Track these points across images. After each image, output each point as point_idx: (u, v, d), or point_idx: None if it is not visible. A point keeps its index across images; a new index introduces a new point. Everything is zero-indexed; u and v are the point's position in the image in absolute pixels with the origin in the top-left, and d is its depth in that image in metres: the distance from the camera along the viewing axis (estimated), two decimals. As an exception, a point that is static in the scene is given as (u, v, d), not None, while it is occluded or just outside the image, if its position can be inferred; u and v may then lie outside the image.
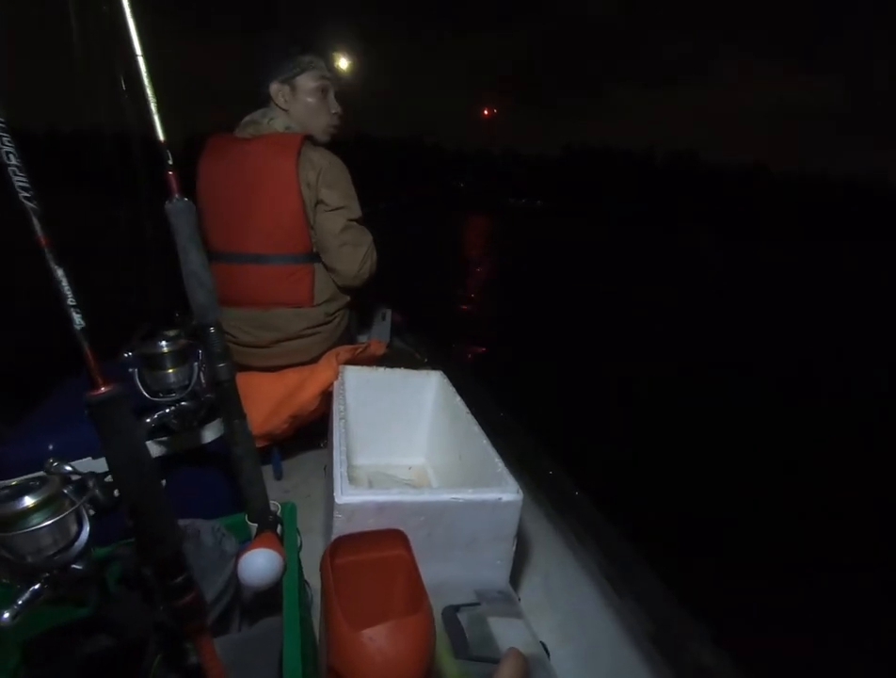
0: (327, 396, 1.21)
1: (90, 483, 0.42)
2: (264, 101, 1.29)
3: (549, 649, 0.77)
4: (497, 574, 0.85)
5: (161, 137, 0.57)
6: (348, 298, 1.40)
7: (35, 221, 0.33)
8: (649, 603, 0.69)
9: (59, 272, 0.33)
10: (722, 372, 4.73)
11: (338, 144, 1.32)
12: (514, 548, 0.84)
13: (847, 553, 2.21)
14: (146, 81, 0.54)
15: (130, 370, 0.69)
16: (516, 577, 0.92)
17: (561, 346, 5.34)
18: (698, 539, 2.19)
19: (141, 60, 0.54)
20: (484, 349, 5.38)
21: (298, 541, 0.72)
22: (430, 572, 0.69)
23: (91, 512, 0.47)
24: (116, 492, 0.41)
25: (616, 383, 4.21)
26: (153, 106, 0.56)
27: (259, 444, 1.23)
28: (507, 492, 0.80)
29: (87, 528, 0.42)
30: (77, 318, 0.34)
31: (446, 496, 0.79)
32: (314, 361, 1.31)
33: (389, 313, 1.82)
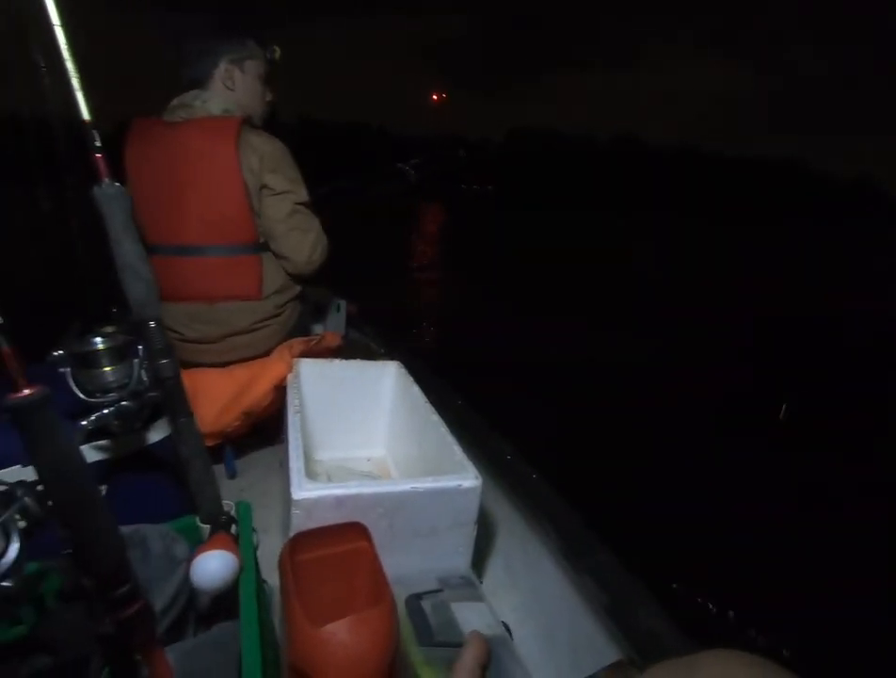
0: (281, 391, 1.18)
1: (19, 493, 0.39)
2: (195, 82, 1.22)
3: (511, 628, 0.78)
4: (459, 560, 0.86)
5: (86, 116, 0.52)
6: (299, 289, 1.36)
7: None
8: (604, 576, 0.72)
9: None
10: (674, 352, 4.93)
11: (279, 126, 1.27)
12: (475, 533, 0.85)
13: (797, 516, 2.39)
14: (65, 54, 0.50)
15: (61, 370, 0.64)
16: (478, 562, 0.93)
17: (516, 330, 5.43)
18: (651, 513, 2.31)
19: (59, 31, 0.49)
20: (440, 337, 5.39)
21: (255, 540, 0.70)
22: (393, 562, 0.69)
23: (22, 525, 0.43)
24: (50, 502, 0.38)
25: (571, 366, 4.34)
26: (75, 83, 0.51)
27: (210, 443, 1.18)
28: (467, 479, 0.81)
29: (15, 543, 0.38)
30: (-7, 314, 0.31)
31: (406, 486, 0.78)
32: (266, 355, 1.27)
33: (343, 304, 1.79)
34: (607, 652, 0.69)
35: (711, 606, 1.69)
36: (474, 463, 0.85)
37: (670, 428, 3.29)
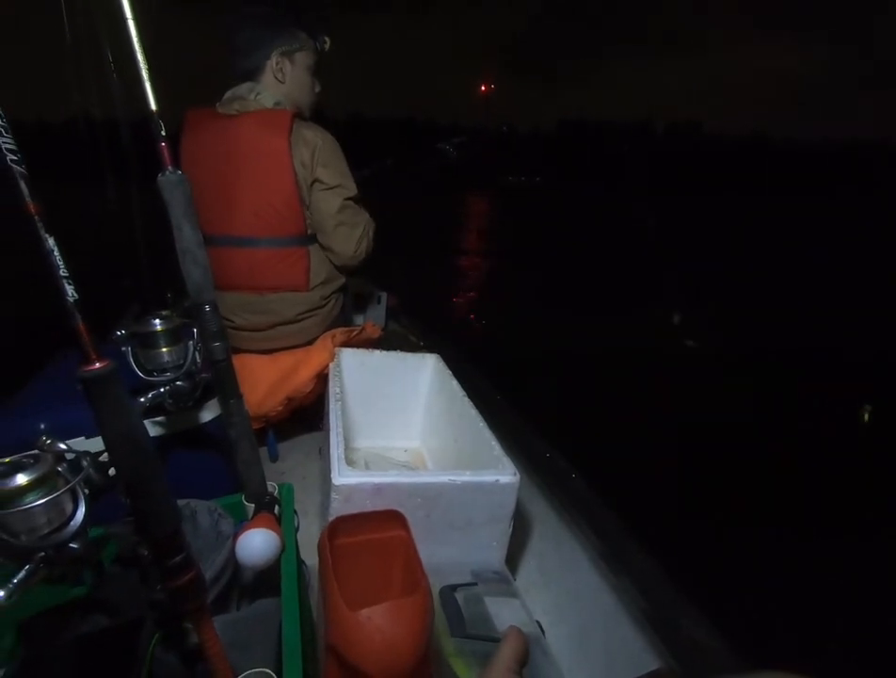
0: (322, 379, 1.20)
1: (85, 462, 0.41)
2: (247, 74, 1.25)
3: (544, 628, 0.78)
4: (493, 555, 0.86)
5: (153, 106, 0.55)
6: (343, 280, 1.38)
7: (23, 186, 0.31)
8: (644, 581, 0.70)
9: (50, 241, 0.32)
10: (727, 351, 4.68)
11: (329, 123, 1.28)
12: (510, 529, 0.85)
13: (848, 533, 2.25)
14: (136, 45, 0.52)
15: (123, 349, 0.67)
16: (512, 558, 0.93)
17: (561, 326, 5.30)
18: (694, 519, 2.23)
19: (131, 23, 0.51)
20: (482, 330, 5.35)
21: (296, 522, 0.72)
22: (428, 552, 0.69)
23: (86, 492, 0.46)
24: (111, 472, 0.40)
25: (613, 363, 4.20)
26: (144, 74, 0.54)
27: (254, 426, 1.22)
28: (504, 474, 0.80)
29: (82, 507, 0.41)
30: (70, 290, 0.33)
31: (444, 478, 0.79)
32: (310, 343, 1.30)
33: (384, 296, 1.81)
34: (644, 659, 0.67)
35: (762, 620, 1.60)
36: (512, 459, 0.84)
37: (722, 432, 3.13)
